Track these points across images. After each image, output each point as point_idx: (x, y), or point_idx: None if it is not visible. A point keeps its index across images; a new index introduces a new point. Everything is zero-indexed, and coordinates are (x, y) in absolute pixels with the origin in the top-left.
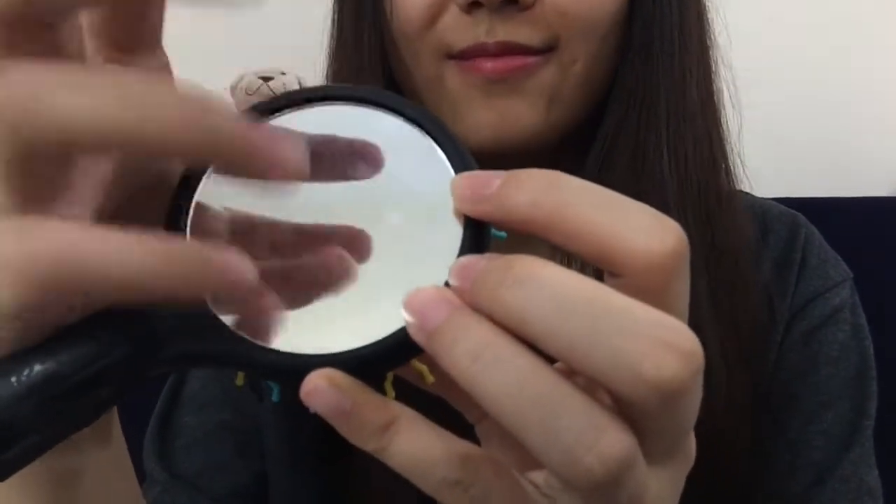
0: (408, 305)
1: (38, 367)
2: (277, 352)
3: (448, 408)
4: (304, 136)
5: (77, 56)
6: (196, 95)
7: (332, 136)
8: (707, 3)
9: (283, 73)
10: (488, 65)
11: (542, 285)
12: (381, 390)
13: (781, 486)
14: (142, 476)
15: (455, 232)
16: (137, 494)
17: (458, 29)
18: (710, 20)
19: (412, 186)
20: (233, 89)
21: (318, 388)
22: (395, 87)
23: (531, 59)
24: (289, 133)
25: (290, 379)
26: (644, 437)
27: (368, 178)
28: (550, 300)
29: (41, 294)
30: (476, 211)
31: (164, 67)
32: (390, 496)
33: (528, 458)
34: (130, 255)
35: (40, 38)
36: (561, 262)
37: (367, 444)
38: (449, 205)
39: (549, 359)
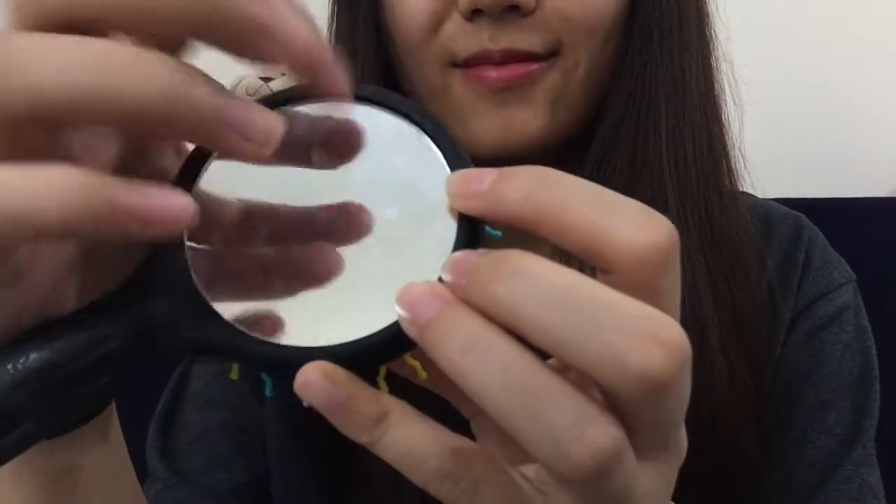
0: (400, 299)
1: (33, 356)
2: (272, 343)
3: (446, 405)
4: (283, 113)
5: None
6: (178, 67)
7: (313, 116)
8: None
9: (283, 74)
10: (493, 73)
11: (531, 280)
12: (374, 386)
13: (784, 485)
14: (143, 474)
15: (450, 228)
16: (137, 490)
17: (462, 37)
18: (710, 15)
19: (409, 184)
20: (233, 90)
21: (311, 381)
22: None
23: (535, 66)
24: (266, 109)
25: (285, 371)
26: (633, 431)
27: (351, 160)
28: (539, 294)
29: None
30: (469, 207)
31: None
32: (394, 494)
33: (523, 454)
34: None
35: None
36: (561, 262)
37: (360, 437)
38: (444, 202)
39: (544, 355)
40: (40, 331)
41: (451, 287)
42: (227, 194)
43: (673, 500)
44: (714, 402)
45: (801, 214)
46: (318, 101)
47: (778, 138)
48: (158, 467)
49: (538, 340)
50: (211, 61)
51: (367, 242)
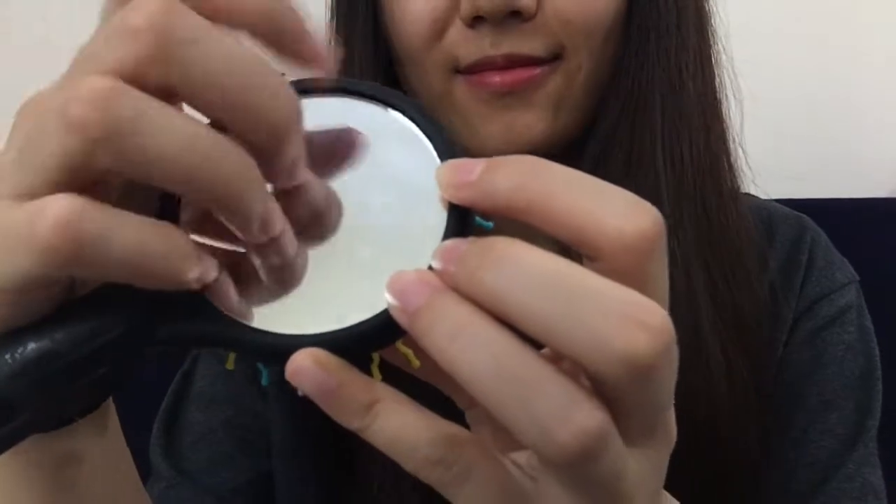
0: (390, 287)
1: (32, 345)
2: (265, 332)
3: (441, 395)
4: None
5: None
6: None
7: (322, 129)
8: None
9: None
10: (496, 78)
11: (518, 267)
12: (369, 374)
13: (785, 485)
14: (146, 473)
15: (440, 219)
16: (138, 483)
17: (464, 43)
18: (710, 15)
19: (400, 175)
20: None
21: (303, 367)
22: None
23: (538, 71)
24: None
25: (278, 359)
26: (620, 415)
27: (353, 167)
28: (526, 281)
29: (50, 266)
30: (459, 197)
31: None
32: (396, 492)
33: (514, 442)
34: (134, 234)
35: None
36: (560, 253)
37: (351, 423)
38: (435, 192)
39: (537, 345)
40: (39, 321)
41: (441, 275)
42: None
43: (673, 499)
44: (713, 402)
45: (804, 216)
46: (311, 97)
47: (778, 139)
48: (162, 466)
49: (525, 327)
50: None
51: (359, 231)
